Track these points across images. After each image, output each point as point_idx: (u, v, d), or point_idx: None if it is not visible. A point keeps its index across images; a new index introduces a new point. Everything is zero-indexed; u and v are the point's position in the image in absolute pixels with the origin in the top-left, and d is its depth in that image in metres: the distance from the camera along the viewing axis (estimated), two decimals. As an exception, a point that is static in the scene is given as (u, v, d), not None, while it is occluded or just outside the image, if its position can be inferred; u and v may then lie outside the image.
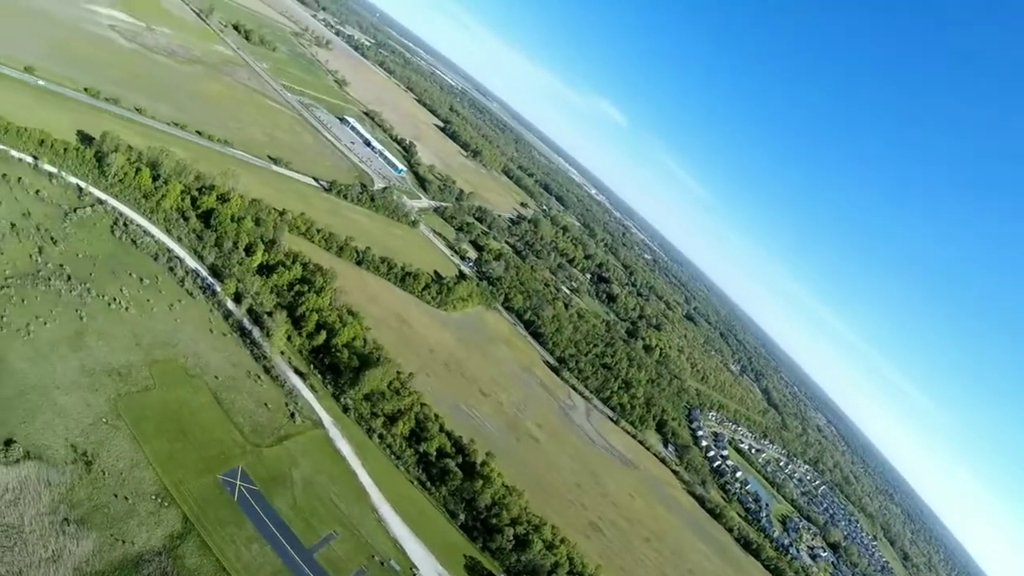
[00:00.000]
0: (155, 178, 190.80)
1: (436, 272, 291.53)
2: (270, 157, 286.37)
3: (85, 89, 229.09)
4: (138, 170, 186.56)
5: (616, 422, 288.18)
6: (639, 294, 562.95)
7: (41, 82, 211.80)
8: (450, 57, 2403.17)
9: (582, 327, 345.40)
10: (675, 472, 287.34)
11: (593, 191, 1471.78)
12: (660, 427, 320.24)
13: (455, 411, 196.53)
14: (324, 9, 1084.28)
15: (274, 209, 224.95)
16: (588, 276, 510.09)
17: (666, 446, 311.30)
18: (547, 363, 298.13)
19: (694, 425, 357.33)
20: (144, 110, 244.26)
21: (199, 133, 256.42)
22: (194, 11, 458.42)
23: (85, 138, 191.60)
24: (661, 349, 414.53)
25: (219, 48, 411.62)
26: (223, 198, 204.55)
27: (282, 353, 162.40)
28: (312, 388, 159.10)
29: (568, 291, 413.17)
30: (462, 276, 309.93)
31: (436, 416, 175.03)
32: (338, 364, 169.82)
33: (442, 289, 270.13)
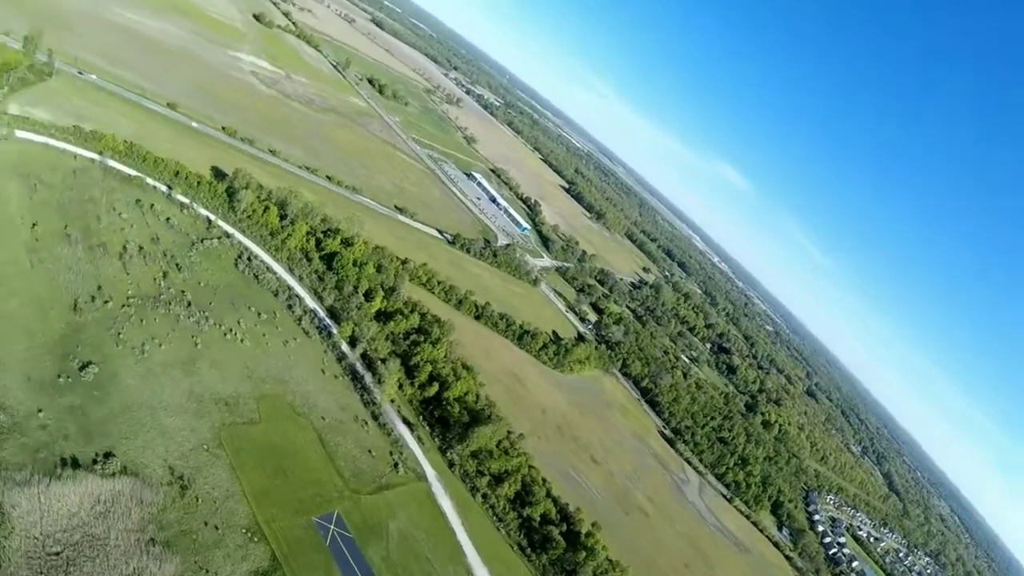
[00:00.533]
0: (282, 217, 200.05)
1: (554, 332, 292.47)
2: (396, 207, 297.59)
3: (223, 128, 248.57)
4: (267, 208, 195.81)
5: (730, 500, 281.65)
6: (760, 367, 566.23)
7: (182, 118, 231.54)
8: (576, 120, 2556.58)
9: (700, 398, 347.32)
10: (788, 558, 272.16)
11: (716, 259, 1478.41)
12: (775, 508, 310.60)
13: (564, 477, 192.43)
14: (456, 68, 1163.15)
15: (396, 257, 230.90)
16: (708, 345, 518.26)
17: (780, 529, 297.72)
18: (662, 433, 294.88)
19: (811, 508, 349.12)
20: (277, 152, 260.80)
21: (329, 178, 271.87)
22: (331, 63, 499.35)
23: (218, 173, 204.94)
24: (780, 425, 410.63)
25: (353, 99, 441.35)
26: (347, 242, 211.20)
27: (392, 401, 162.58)
28: (419, 440, 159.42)
29: (687, 360, 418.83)
30: (580, 338, 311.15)
31: (544, 480, 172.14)
32: (448, 418, 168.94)
33: (559, 350, 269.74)
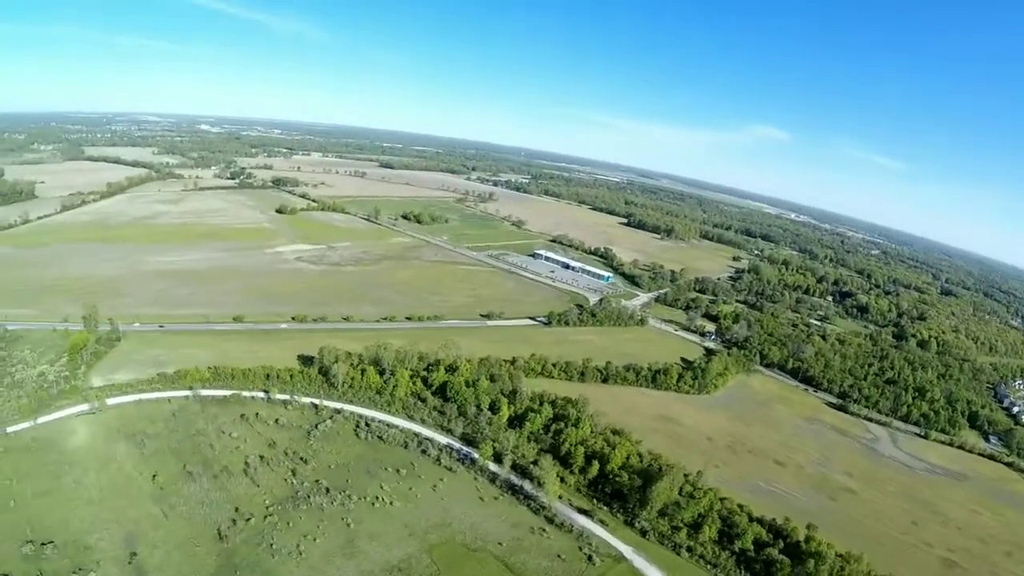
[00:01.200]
0: (381, 373, 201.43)
1: (683, 359, 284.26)
2: (481, 315, 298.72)
3: (292, 318, 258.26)
4: (363, 371, 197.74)
5: (925, 436, 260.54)
6: (886, 292, 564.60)
7: (251, 326, 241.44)
8: (599, 158, 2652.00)
9: (848, 352, 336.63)
10: (1009, 464, 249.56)
11: (793, 215, 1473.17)
12: (972, 421, 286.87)
13: (757, 492, 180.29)
14: (474, 170, 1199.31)
15: (504, 361, 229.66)
16: (829, 298, 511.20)
17: (987, 439, 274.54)
18: (830, 404, 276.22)
19: (1006, 403, 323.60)
20: (351, 317, 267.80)
21: (408, 319, 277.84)
22: (363, 218, 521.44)
23: (306, 360, 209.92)
24: (936, 338, 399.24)
25: (397, 240, 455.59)
26: (451, 368, 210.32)
27: (560, 497, 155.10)
28: (602, 523, 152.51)
29: (818, 322, 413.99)
30: (710, 352, 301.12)
31: (740, 507, 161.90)
32: (620, 489, 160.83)
33: (695, 373, 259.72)
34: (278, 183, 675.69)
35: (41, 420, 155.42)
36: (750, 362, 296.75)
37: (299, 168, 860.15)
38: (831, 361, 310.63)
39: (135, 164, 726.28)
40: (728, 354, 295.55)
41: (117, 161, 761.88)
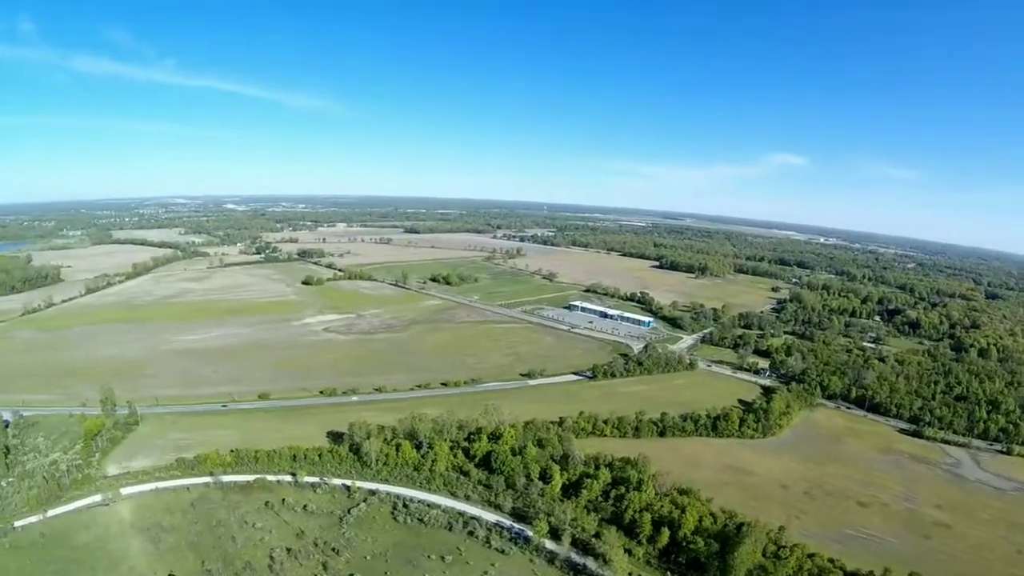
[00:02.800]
0: (418, 447, 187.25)
1: (740, 401, 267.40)
2: (521, 374, 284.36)
3: (320, 392, 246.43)
4: (398, 447, 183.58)
5: (1008, 452, 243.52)
6: (932, 305, 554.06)
7: (277, 403, 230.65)
8: (624, 205, 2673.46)
9: (910, 372, 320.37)
10: None
11: (822, 239, 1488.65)
12: None
13: (845, 541, 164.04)
14: (499, 228, 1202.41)
15: (551, 423, 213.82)
16: (876, 318, 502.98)
17: None
18: (902, 431, 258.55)
19: None
20: (383, 387, 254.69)
21: (444, 384, 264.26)
22: (391, 283, 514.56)
23: (336, 436, 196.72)
24: (994, 345, 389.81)
25: (428, 303, 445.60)
26: (495, 436, 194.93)
27: (629, 574, 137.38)
28: None
29: (871, 344, 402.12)
30: (767, 390, 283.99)
31: (832, 561, 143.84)
32: (696, 557, 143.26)
33: (757, 415, 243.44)
34: (304, 255, 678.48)
35: (51, 513, 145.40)
36: (811, 396, 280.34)
37: (324, 239, 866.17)
38: (895, 384, 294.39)
39: (161, 245, 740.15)
40: (788, 390, 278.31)
41: (144, 243, 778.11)
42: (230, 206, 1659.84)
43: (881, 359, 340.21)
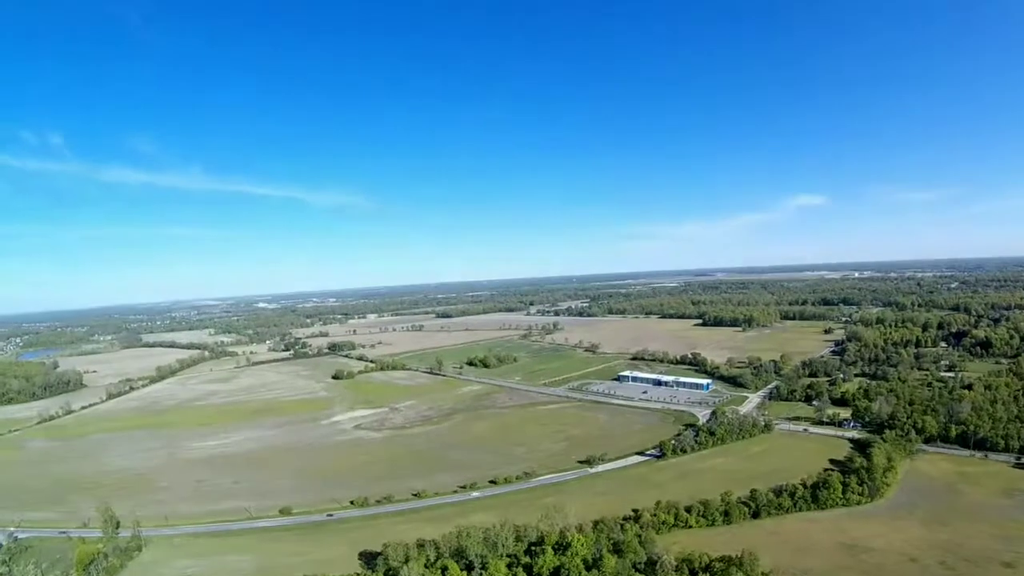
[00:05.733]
0: (468, 568, 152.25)
1: (832, 461, 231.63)
2: (579, 462, 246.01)
3: (351, 502, 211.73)
4: (444, 569, 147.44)
5: None
6: (995, 321, 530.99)
7: (301, 519, 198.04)
8: (653, 268, 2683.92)
9: (1002, 396, 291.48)
10: None
11: (855, 274, 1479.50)
12: None
13: None
14: (531, 304, 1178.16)
15: (624, 520, 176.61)
16: (943, 344, 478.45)
17: None
18: (1019, 466, 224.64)
19: None
20: (422, 491, 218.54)
21: (493, 482, 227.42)
22: (425, 371, 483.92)
23: (369, 558, 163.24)
24: None
25: (467, 389, 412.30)
26: (561, 545, 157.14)
27: None
28: None
29: (948, 372, 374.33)
30: (859, 444, 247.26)
31: None
32: None
33: (859, 475, 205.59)
34: (334, 348, 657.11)
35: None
36: (910, 443, 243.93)
37: (355, 331, 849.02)
38: (995, 414, 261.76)
39: (190, 346, 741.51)
40: (882, 440, 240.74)
41: (172, 345, 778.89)
42: (261, 305, 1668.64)
43: (967, 387, 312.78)
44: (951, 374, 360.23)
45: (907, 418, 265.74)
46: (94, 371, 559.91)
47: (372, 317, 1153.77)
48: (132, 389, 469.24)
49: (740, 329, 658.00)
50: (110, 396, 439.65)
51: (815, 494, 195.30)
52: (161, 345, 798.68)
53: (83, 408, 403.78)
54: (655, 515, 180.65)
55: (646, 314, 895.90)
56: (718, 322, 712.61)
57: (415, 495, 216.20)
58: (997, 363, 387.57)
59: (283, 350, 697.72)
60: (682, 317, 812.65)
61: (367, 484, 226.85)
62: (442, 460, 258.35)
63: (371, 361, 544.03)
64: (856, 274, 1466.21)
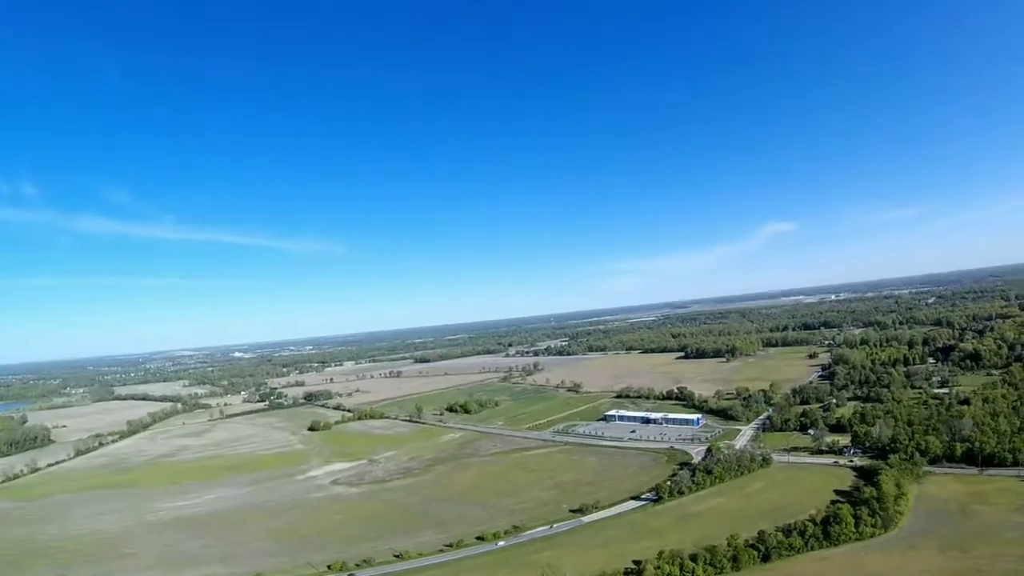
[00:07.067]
0: None
1: (839, 492, 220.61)
2: (572, 511, 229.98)
3: (328, 567, 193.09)
4: None
5: None
6: (980, 332, 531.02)
7: None
8: (629, 303, 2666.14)
9: (1002, 408, 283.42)
10: None
11: (832, 296, 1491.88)
12: None
13: None
14: (510, 345, 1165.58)
15: (626, 573, 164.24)
16: (931, 360, 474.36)
17: None
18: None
19: None
20: (405, 553, 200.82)
21: (480, 539, 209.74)
22: (405, 420, 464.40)
23: None
24: None
25: (448, 437, 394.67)
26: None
27: None
28: None
29: (941, 388, 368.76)
30: (864, 472, 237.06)
31: None
32: None
33: (870, 506, 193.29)
34: (310, 398, 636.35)
35: None
36: (914, 467, 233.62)
37: (331, 379, 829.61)
38: (998, 427, 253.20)
39: (163, 399, 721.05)
40: (888, 466, 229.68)
41: (145, 397, 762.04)
42: (237, 354, 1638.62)
43: (964, 402, 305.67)
44: (945, 390, 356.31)
45: (909, 440, 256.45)
46: (64, 425, 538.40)
47: (349, 364, 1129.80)
48: (101, 445, 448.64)
49: (723, 360, 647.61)
50: (78, 452, 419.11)
51: (826, 530, 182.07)
52: (134, 398, 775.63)
53: (49, 465, 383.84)
54: (659, 567, 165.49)
55: (627, 349, 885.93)
56: (701, 354, 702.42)
57: (397, 556, 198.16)
58: (989, 375, 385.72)
59: (258, 401, 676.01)
60: (663, 351, 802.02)
61: (345, 546, 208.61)
62: (425, 516, 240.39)
63: (349, 410, 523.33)
64: (833, 296, 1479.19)
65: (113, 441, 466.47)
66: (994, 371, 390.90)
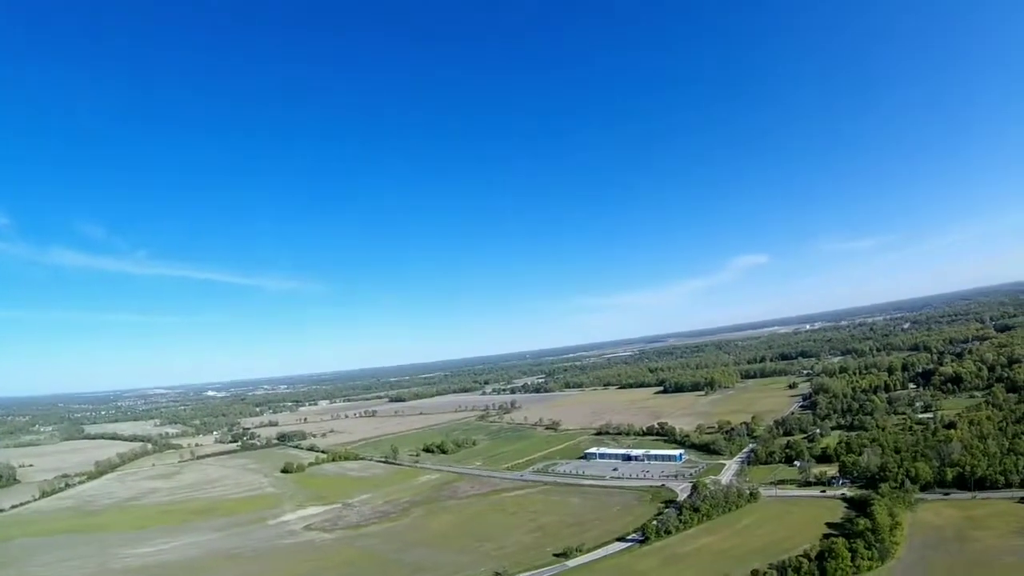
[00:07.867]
0: None
1: (831, 525, 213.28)
2: (555, 555, 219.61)
3: None
4: None
5: None
6: (958, 355, 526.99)
7: None
8: (605, 339, 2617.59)
9: (989, 430, 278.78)
10: None
11: (807, 326, 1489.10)
12: None
13: None
14: (487, 383, 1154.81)
15: None
16: (912, 386, 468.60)
17: None
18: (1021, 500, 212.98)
19: None
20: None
21: None
22: (380, 461, 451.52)
23: None
24: None
25: (425, 478, 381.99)
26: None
27: None
28: None
29: (925, 414, 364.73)
30: (855, 503, 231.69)
31: None
32: None
33: (865, 538, 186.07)
34: (284, 439, 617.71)
35: None
36: (905, 495, 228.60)
37: (306, 419, 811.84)
38: (987, 449, 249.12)
39: (133, 438, 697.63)
40: (879, 496, 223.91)
41: (115, 436, 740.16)
42: (210, 393, 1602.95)
43: (949, 426, 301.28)
44: (929, 415, 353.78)
45: (898, 467, 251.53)
46: (30, 465, 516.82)
47: (324, 404, 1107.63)
48: (68, 486, 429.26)
49: (703, 393, 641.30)
50: (44, 494, 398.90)
51: (822, 566, 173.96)
52: (104, 436, 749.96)
53: (13, 507, 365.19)
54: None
55: (604, 385, 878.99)
56: (679, 388, 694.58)
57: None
58: (971, 396, 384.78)
59: (230, 441, 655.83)
60: (641, 386, 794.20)
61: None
62: (401, 564, 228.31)
63: (322, 451, 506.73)
64: (808, 326, 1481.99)
65: (80, 482, 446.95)
66: (976, 393, 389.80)
